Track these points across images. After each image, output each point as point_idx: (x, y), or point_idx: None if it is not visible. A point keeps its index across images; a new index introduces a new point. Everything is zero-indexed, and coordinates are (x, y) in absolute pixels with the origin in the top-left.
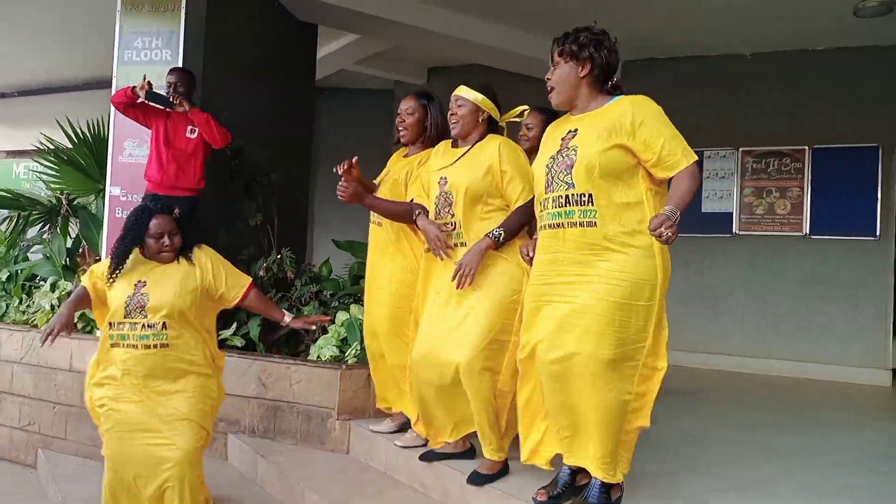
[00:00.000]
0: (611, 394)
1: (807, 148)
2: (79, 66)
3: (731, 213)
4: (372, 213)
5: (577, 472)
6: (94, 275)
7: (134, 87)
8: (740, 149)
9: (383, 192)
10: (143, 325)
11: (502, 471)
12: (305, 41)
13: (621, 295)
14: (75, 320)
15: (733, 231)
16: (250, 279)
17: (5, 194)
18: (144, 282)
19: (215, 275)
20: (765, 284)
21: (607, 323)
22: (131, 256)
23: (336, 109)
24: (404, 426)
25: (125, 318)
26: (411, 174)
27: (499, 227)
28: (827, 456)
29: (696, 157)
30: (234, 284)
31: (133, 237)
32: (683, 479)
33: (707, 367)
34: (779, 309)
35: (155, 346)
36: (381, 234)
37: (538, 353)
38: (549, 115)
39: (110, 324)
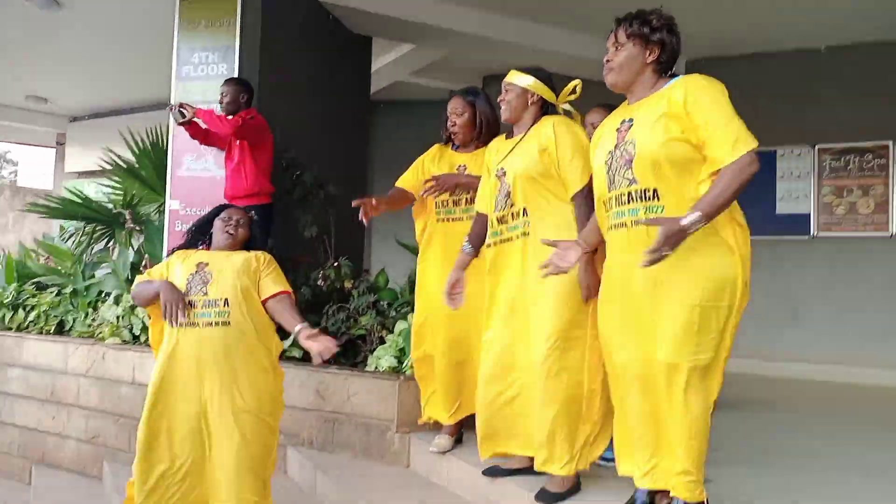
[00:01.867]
0: (694, 405)
1: (891, 143)
2: (143, 86)
3: (809, 215)
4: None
5: (657, 491)
6: (153, 273)
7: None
8: (816, 146)
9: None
10: (205, 303)
11: (573, 488)
12: (360, 53)
13: (700, 297)
14: (137, 332)
15: (811, 233)
16: (289, 288)
17: (75, 198)
18: (206, 263)
19: (264, 267)
20: (847, 289)
21: (687, 329)
22: (195, 252)
23: (392, 121)
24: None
25: (187, 294)
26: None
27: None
28: None
29: (750, 146)
30: (271, 281)
31: (207, 219)
32: (770, 498)
33: (786, 376)
34: (863, 314)
35: (216, 324)
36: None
37: (616, 360)
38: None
39: None
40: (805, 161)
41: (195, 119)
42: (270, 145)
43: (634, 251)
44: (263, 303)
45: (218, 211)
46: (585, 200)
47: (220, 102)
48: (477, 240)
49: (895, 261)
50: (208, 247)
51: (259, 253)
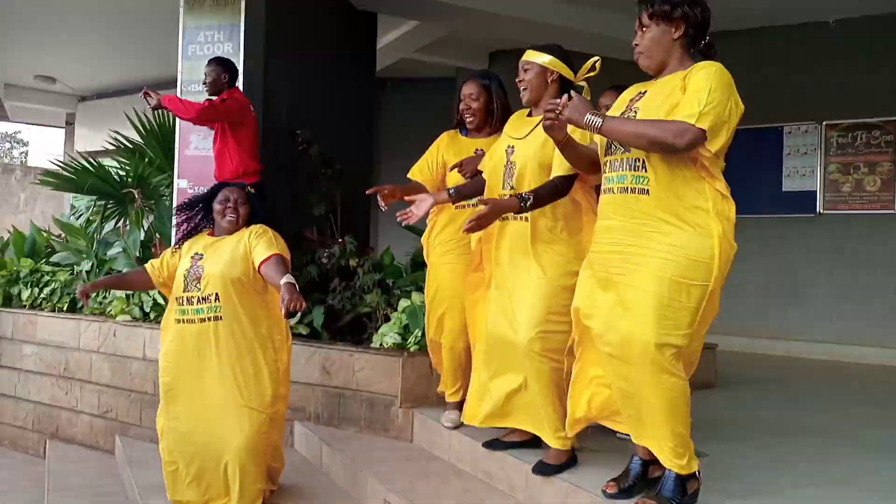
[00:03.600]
0: (672, 378)
1: None
2: (150, 66)
3: (815, 192)
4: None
5: (650, 462)
6: (164, 258)
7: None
8: (824, 122)
9: (455, 179)
10: (199, 299)
11: (570, 461)
12: (365, 30)
13: (674, 271)
14: (147, 310)
15: (817, 211)
16: (277, 251)
17: (87, 167)
18: (201, 255)
19: (254, 237)
20: (852, 267)
21: (661, 303)
22: (197, 237)
23: (398, 99)
24: None
25: (184, 291)
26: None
27: (529, 192)
28: None
29: (702, 125)
30: (262, 248)
31: (204, 198)
32: (766, 472)
33: (790, 355)
34: (867, 294)
35: (209, 320)
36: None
37: (594, 330)
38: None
39: (177, 300)
40: (812, 137)
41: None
42: (252, 124)
43: (620, 217)
44: (259, 270)
45: (213, 193)
46: (562, 183)
47: (204, 83)
48: (461, 193)
49: None
50: (213, 230)
51: (251, 228)
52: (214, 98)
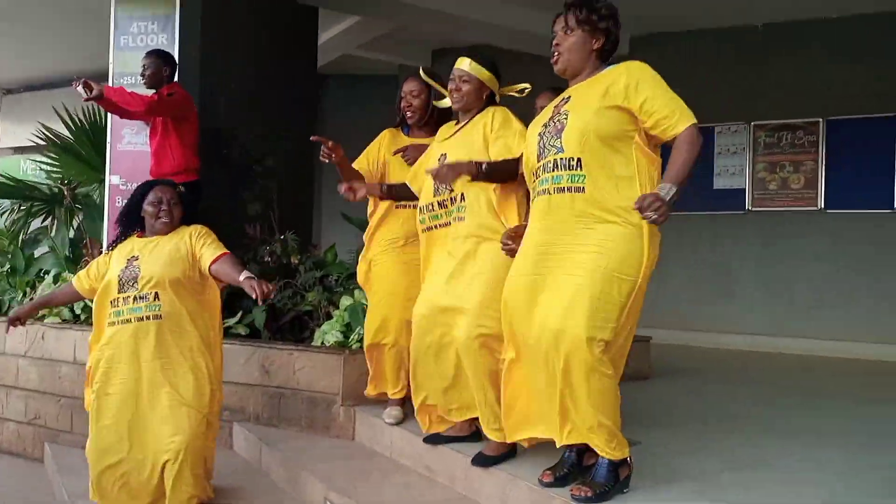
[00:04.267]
0: (597, 377)
1: (821, 120)
2: (79, 58)
3: (744, 190)
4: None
5: (584, 451)
6: (94, 268)
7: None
8: (752, 123)
9: (399, 177)
10: (135, 297)
11: (508, 452)
12: (306, 25)
13: (607, 264)
14: (78, 311)
15: (746, 208)
16: (225, 250)
17: (7, 181)
18: (137, 256)
19: (197, 239)
20: (779, 262)
21: (594, 296)
22: (127, 240)
23: (341, 96)
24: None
25: (119, 292)
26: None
27: (488, 162)
28: (847, 437)
29: (694, 119)
30: (210, 249)
31: (134, 203)
32: (694, 458)
33: (719, 346)
34: (793, 287)
35: (147, 318)
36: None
37: (522, 328)
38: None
39: (111, 302)
40: (741, 137)
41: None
42: (195, 119)
43: (554, 216)
44: (209, 269)
45: (142, 193)
46: (515, 166)
47: (142, 75)
48: (392, 190)
49: (824, 234)
50: (143, 231)
51: (190, 228)
52: (151, 92)
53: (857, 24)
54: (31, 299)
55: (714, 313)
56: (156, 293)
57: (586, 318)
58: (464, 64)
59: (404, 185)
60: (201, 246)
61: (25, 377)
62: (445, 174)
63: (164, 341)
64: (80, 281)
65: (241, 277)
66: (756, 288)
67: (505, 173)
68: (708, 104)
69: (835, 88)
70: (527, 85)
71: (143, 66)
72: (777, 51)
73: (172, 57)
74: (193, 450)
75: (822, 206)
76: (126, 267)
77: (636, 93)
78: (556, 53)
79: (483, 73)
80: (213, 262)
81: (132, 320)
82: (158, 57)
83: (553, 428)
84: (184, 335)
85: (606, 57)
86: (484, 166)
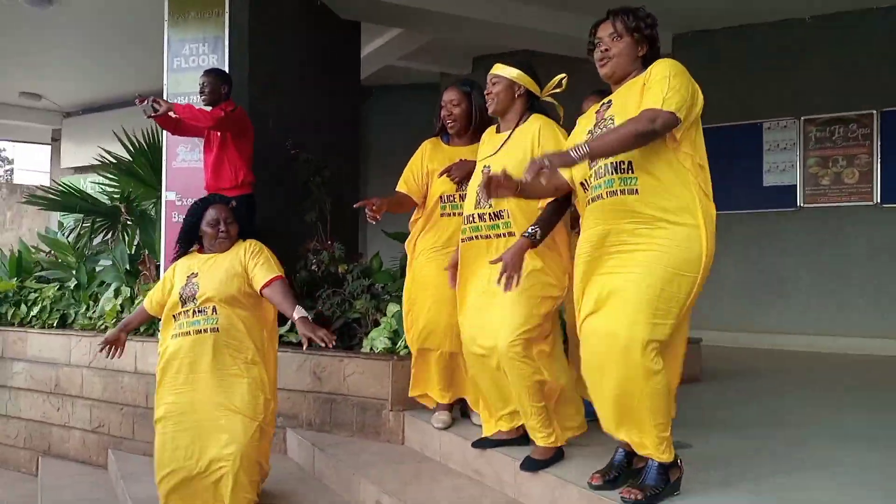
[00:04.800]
0: (655, 372)
1: (874, 112)
2: (134, 81)
3: (795, 186)
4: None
5: (633, 454)
6: (155, 295)
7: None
8: (802, 118)
9: (441, 187)
10: (195, 311)
11: (556, 456)
12: (349, 39)
13: (667, 262)
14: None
15: (798, 205)
16: (280, 272)
17: (71, 191)
18: (196, 273)
19: (252, 258)
20: (833, 259)
21: (654, 295)
22: (189, 256)
23: (384, 106)
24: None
25: (181, 307)
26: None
27: (534, 225)
28: None
29: (671, 109)
30: (263, 271)
31: (191, 224)
32: (746, 461)
33: (772, 347)
34: (848, 284)
35: (205, 331)
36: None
37: (582, 330)
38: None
39: (174, 317)
40: (791, 132)
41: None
42: (251, 135)
43: (609, 220)
44: (260, 291)
45: (198, 213)
46: (562, 201)
47: (201, 93)
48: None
49: (879, 229)
50: (202, 247)
51: (245, 245)
52: (210, 108)
53: None
54: (95, 312)
55: (766, 314)
56: (213, 307)
57: (645, 320)
58: (494, 67)
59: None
60: (254, 266)
61: (90, 387)
62: (512, 266)
63: (220, 353)
64: (149, 302)
65: (295, 316)
66: (810, 287)
67: (556, 218)
68: (755, 100)
69: (887, 79)
70: (562, 75)
71: (202, 83)
72: (826, 43)
73: (229, 75)
74: (248, 457)
75: (878, 200)
76: (186, 284)
77: (650, 79)
78: (604, 59)
79: (511, 72)
80: (266, 285)
81: (191, 333)
82: (217, 75)
83: (608, 423)
84: (240, 347)
85: (648, 63)
86: (537, 234)
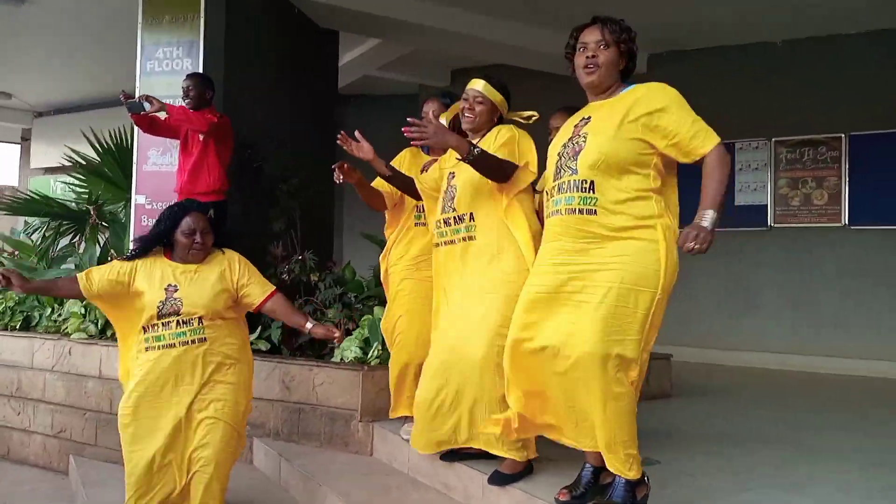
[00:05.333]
0: (618, 389)
1: (843, 135)
2: (107, 81)
3: (766, 206)
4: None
5: (601, 470)
6: (107, 275)
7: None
8: (773, 139)
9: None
10: (178, 322)
11: (525, 470)
12: (327, 48)
13: (622, 279)
14: (102, 327)
15: (768, 224)
16: (273, 287)
17: (37, 197)
18: (175, 286)
19: (240, 276)
20: (802, 279)
21: (609, 313)
22: (155, 259)
23: (362, 116)
24: None
25: (158, 319)
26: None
27: (482, 149)
28: (870, 455)
29: (719, 139)
30: (257, 290)
31: (165, 229)
32: (714, 478)
33: (741, 364)
34: (817, 304)
35: (193, 342)
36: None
37: (536, 348)
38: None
39: (143, 328)
40: (762, 153)
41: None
42: (232, 144)
43: (567, 237)
44: (258, 309)
45: (174, 219)
46: (510, 168)
47: (185, 96)
48: (397, 175)
49: (848, 250)
50: (169, 252)
51: (226, 258)
52: (170, 107)
53: (875, 40)
54: (60, 315)
55: (736, 331)
56: (199, 317)
57: (600, 336)
58: (478, 85)
59: (410, 179)
60: (246, 283)
61: (52, 391)
62: (435, 132)
63: (207, 362)
64: (88, 283)
65: (310, 327)
66: (779, 305)
67: (496, 170)
68: (728, 120)
69: (856, 103)
70: (533, 113)
71: (187, 87)
72: (797, 67)
73: (212, 80)
74: (223, 464)
75: (846, 221)
76: (166, 299)
77: (660, 117)
78: (591, 67)
79: (496, 97)
80: (264, 301)
81: (176, 345)
82: (202, 80)
83: (570, 436)
84: (227, 353)
85: (625, 77)
86: (476, 150)
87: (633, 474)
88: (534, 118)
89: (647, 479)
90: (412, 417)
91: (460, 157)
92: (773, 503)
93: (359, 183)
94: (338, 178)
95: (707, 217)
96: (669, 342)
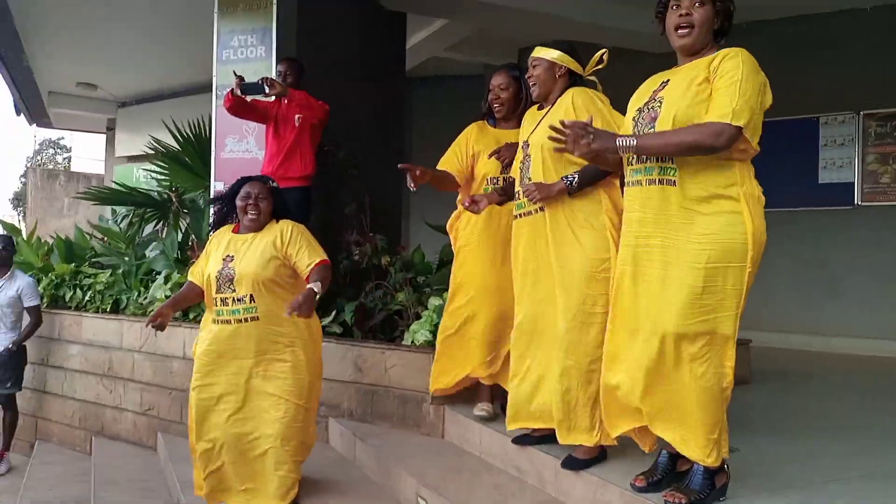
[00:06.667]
0: (703, 374)
1: None
2: (186, 71)
3: (852, 183)
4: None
5: (678, 456)
6: (197, 267)
7: (233, 90)
8: (861, 112)
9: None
10: (234, 300)
11: (599, 456)
12: (394, 30)
13: (708, 259)
14: (186, 310)
15: (855, 202)
16: (324, 255)
17: (121, 189)
18: (232, 256)
19: (292, 243)
20: (891, 259)
21: (695, 293)
22: (224, 232)
23: (428, 98)
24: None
25: (217, 293)
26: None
27: (573, 173)
28: None
29: (740, 122)
30: (306, 255)
31: (226, 198)
32: (797, 467)
33: (824, 350)
34: None
35: (246, 321)
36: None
37: (621, 325)
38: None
39: (213, 300)
40: (849, 128)
41: (235, 90)
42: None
43: (649, 209)
44: (306, 278)
45: (235, 187)
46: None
47: (283, 80)
48: (506, 193)
49: None
50: (238, 226)
51: (280, 227)
52: (291, 92)
53: None
54: (146, 298)
55: (819, 315)
56: (251, 296)
57: (685, 316)
58: (534, 50)
59: (512, 182)
60: (297, 249)
61: (140, 371)
62: (533, 193)
63: (262, 340)
64: (196, 279)
65: (309, 284)
66: (865, 288)
67: (596, 173)
68: (811, 93)
69: None
70: (603, 50)
71: (284, 72)
72: (888, 34)
73: (304, 65)
74: (292, 437)
75: None
76: (223, 268)
77: (716, 79)
78: (686, 27)
79: (551, 53)
80: (313, 269)
81: (231, 322)
82: (296, 63)
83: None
84: (281, 332)
85: (719, 40)
86: (575, 181)
87: (711, 461)
88: (605, 56)
89: (728, 467)
90: (485, 396)
91: (569, 194)
92: (861, 492)
93: (431, 179)
94: (411, 185)
95: (625, 140)
96: (748, 327)
